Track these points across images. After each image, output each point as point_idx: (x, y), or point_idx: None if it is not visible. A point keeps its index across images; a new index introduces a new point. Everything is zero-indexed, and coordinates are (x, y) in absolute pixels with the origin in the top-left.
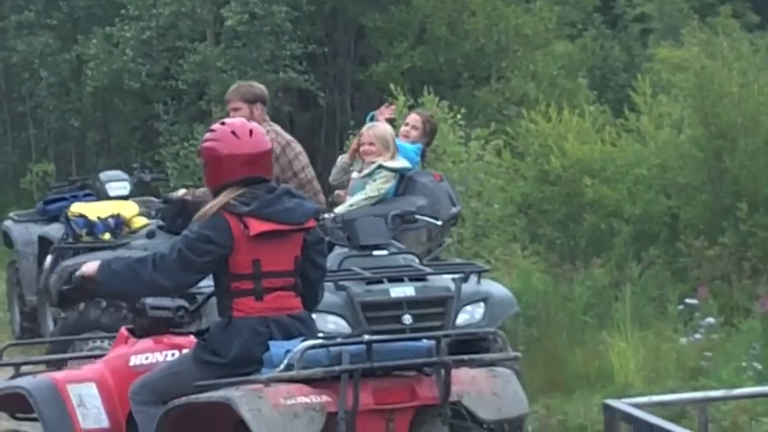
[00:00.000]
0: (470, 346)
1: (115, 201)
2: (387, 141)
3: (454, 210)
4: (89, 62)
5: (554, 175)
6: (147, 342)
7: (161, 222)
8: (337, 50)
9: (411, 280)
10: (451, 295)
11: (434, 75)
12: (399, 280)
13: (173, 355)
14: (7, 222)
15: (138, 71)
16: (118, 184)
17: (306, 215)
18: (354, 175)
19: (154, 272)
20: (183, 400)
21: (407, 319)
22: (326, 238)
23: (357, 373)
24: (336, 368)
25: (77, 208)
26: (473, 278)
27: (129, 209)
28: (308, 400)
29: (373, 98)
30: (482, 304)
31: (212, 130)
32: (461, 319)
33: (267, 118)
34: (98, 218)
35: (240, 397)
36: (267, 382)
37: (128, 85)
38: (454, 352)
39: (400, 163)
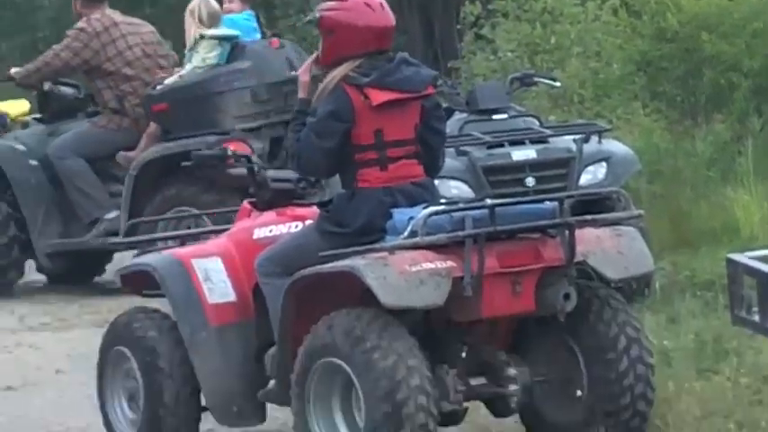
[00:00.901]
0: (594, 206)
1: (9, 101)
2: (194, 13)
3: (292, 73)
4: None
5: (671, 32)
6: (270, 215)
7: (38, 115)
8: None
9: (532, 142)
10: (573, 156)
11: None
12: (520, 143)
13: (296, 226)
14: None
15: None
16: None
17: (424, 82)
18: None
19: (299, 169)
20: (309, 270)
21: (530, 181)
22: (445, 104)
23: (481, 238)
24: (460, 233)
25: None
26: (594, 138)
27: (18, 107)
28: (433, 266)
29: None
30: (604, 164)
31: (339, 0)
32: (584, 179)
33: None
34: None
35: (365, 265)
36: (391, 250)
37: None
38: (577, 213)
39: (222, 31)
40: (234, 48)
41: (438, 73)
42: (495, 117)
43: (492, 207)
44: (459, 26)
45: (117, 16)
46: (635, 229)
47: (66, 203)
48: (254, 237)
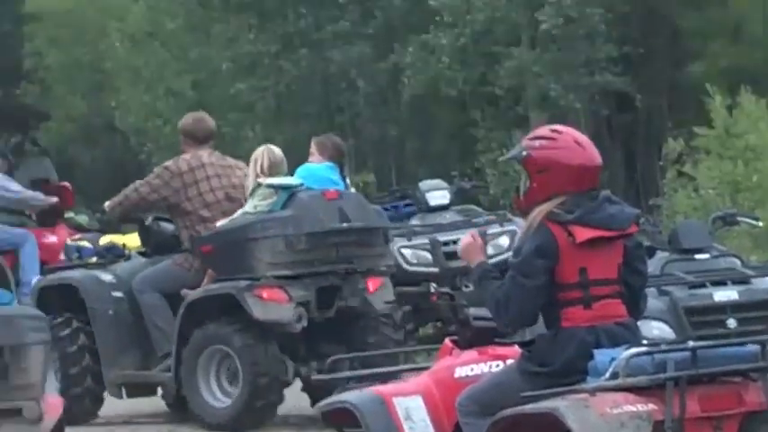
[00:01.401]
0: None
1: (131, 234)
2: (257, 162)
3: (344, 225)
4: (405, 70)
5: None
6: (471, 353)
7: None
8: (653, 51)
9: (734, 283)
10: None
11: (752, 73)
12: (722, 283)
13: (497, 366)
14: None
15: (454, 78)
16: (437, 193)
17: (628, 220)
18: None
19: (507, 320)
20: (510, 411)
21: (732, 323)
22: (646, 243)
23: (683, 381)
24: (662, 375)
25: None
26: None
27: (137, 240)
28: (634, 409)
29: (690, 99)
30: None
31: (548, 138)
32: None
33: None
34: (91, 244)
35: (566, 407)
36: (593, 392)
37: (444, 92)
38: None
39: (278, 180)
40: (291, 196)
41: (641, 211)
42: (697, 257)
43: (694, 349)
44: (661, 162)
45: (208, 158)
46: None
47: (144, 335)
48: (456, 375)
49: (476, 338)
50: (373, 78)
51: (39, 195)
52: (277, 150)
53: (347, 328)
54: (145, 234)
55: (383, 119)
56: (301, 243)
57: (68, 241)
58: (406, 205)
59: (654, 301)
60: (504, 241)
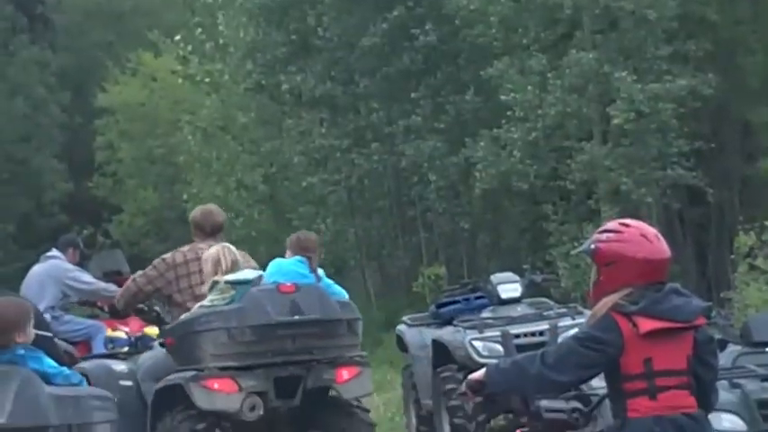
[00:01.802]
0: None
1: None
2: (212, 262)
3: (296, 318)
4: (477, 164)
5: None
6: None
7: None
8: (724, 146)
9: None
10: None
11: None
12: None
13: None
14: (401, 327)
15: (526, 172)
16: (509, 286)
17: (695, 312)
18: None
19: (542, 366)
20: None
21: None
22: (718, 336)
23: None
24: None
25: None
26: None
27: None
28: None
29: (761, 193)
30: None
31: (616, 231)
32: None
33: None
34: (126, 334)
35: None
36: None
37: (516, 186)
38: None
39: (234, 276)
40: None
41: (711, 304)
42: None
43: None
44: (732, 256)
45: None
46: None
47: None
48: None
49: (547, 430)
50: (445, 173)
51: (111, 287)
52: (234, 248)
53: (319, 415)
54: (160, 324)
55: (455, 213)
56: (245, 335)
57: (108, 332)
58: (478, 298)
59: (725, 394)
60: None
